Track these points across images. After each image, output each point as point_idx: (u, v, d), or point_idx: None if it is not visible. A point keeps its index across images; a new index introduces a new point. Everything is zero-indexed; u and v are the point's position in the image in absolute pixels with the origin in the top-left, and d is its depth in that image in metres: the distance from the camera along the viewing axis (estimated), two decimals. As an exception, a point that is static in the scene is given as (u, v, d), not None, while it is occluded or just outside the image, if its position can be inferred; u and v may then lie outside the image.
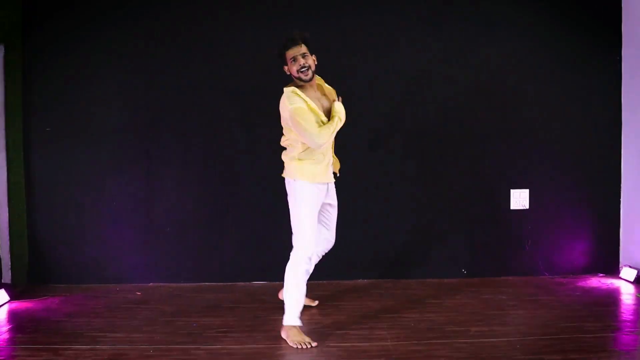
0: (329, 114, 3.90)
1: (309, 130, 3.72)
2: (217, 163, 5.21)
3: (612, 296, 4.74)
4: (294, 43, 3.78)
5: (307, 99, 3.79)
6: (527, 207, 5.33)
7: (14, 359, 3.49)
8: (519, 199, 5.33)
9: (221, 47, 5.16)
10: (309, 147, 3.84)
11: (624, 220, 5.38)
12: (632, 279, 5.05)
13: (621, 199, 5.39)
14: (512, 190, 5.33)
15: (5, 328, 3.99)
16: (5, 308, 4.43)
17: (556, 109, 5.35)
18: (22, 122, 5.04)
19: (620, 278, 5.17)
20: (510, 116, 5.33)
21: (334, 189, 4.16)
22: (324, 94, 3.98)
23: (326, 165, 3.96)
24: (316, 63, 3.89)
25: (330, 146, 4.03)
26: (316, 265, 5.01)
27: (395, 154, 5.15)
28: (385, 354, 3.58)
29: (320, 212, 4.08)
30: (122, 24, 5.12)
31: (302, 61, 3.78)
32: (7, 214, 4.97)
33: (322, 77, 4.08)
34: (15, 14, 4.98)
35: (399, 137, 5.16)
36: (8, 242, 4.97)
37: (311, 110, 3.78)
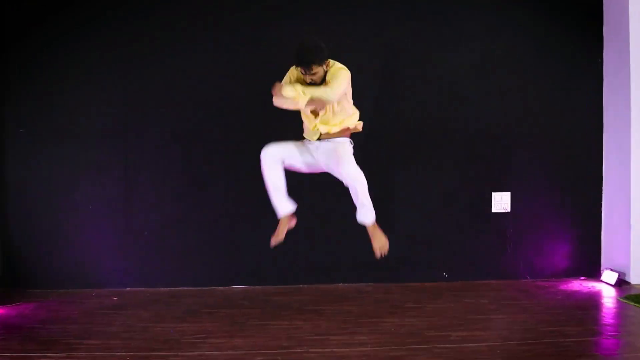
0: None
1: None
2: (195, 167, 5.22)
3: (594, 300, 4.79)
4: (303, 65, 3.93)
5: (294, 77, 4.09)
6: (509, 210, 5.38)
7: None
8: (501, 202, 5.37)
9: (199, 52, 5.19)
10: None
11: (606, 224, 5.45)
12: (613, 282, 5.09)
13: (602, 202, 5.46)
14: (493, 193, 5.37)
15: (-23, 335, 3.93)
16: None
17: (538, 112, 5.43)
18: None
19: (602, 281, 5.22)
20: (491, 120, 5.37)
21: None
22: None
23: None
24: (326, 70, 4.01)
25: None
26: (296, 270, 5.17)
27: (376, 159, 5.16)
28: None
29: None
30: (101, 28, 5.12)
31: (308, 78, 3.98)
32: None
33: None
34: None
35: (379, 142, 5.19)
36: None
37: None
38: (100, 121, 5.14)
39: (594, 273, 5.38)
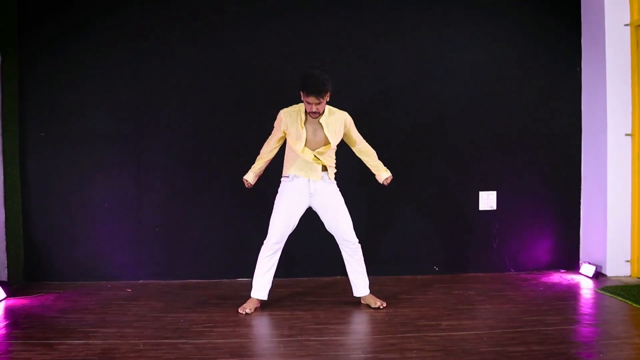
0: (320, 141, 4.26)
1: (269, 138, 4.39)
2: (203, 164, 5.23)
3: (573, 291, 4.86)
4: (314, 93, 4.05)
5: (302, 117, 4.20)
6: (495, 208, 5.47)
7: (10, 354, 3.48)
8: (487, 200, 5.46)
9: (208, 51, 5.20)
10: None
11: (584, 220, 5.55)
12: (591, 275, 5.19)
13: (581, 200, 5.56)
14: (480, 192, 5.46)
15: (2, 324, 3.99)
16: (2, 305, 4.44)
17: (522, 117, 5.48)
18: (17, 127, 5.08)
19: (580, 274, 5.32)
20: (479, 123, 5.43)
21: None
22: (326, 125, 4.24)
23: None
24: (328, 100, 4.17)
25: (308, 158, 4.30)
26: (297, 263, 5.17)
27: None
28: (361, 347, 3.65)
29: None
30: (113, 31, 5.14)
31: (314, 108, 4.11)
32: (3, 215, 4.96)
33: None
34: (10, 22, 4.98)
35: (371, 142, 5.01)
36: (4, 242, 4.95)
37: (297, 128, 4.19)
38: (114, 124, 5.16)
39: (573, 266, 5.49)
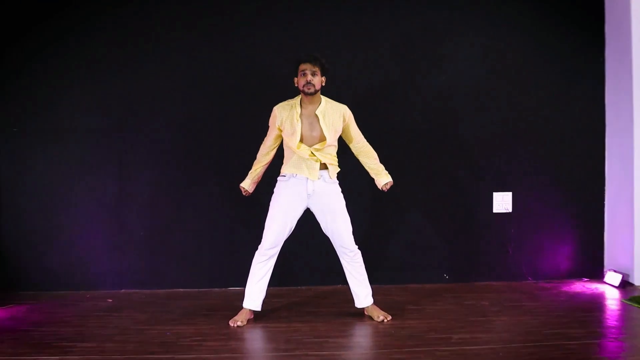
0: (317, 137, 4.22)
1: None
2: (191, 168, 5.22)
3: (597, 301, 4.78)
4: (310, 60, 4.18)
5: (298, 110, 4.19)
6: (510, 210, 5.40)
7: None
8: (502, 202, 5.41)
9: (196, 51, 5.20)
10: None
11: (608, 224, 5.48)
12: (616, 284, 5.10)
13: (605, 203, 5.50)
14: (494, 193, 5.39)
15: (-31, 338, 3.91)
16: None
17: (540, 111, 5.45)
18: None
19: (605, 283, 5.24)
20: (492, 119, 5.39)
21: None
22: (322, 116, 4.22)
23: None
24: (323, 85, 4.24)
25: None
26: (294, 271, 5.21)
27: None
28: None
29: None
30: (95, 27, 5.14)
31: (309, 77, 4.15)
32: None
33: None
34: None
35: (380, 142, 5.12)
36: None
37: (292, 121, 4.19)
38: (95, 120, 5.14)
39: (597, 274, 5.40)
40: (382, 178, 4.39)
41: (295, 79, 4.22)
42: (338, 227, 4.25)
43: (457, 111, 5.36)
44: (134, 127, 5.18)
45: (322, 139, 4.22)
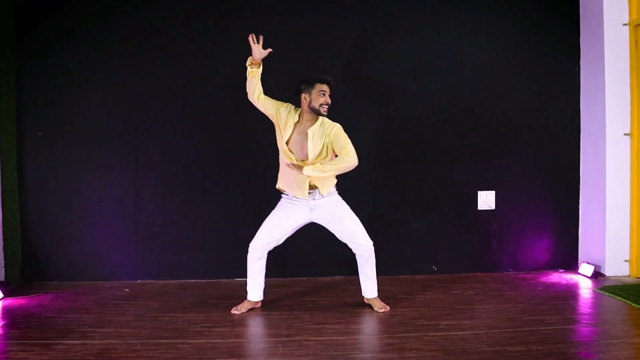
0: (303, 152, 4.19)
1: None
2: (202, 167, 5.22)
3: (571, 291, 4.86)
4: (329, 82, 4.15)
5: (296, 119, 4.18)
6: (494, 207, 5.45)
7: (7, 354, 3.48)
8: (486, 200, 5.44)
9: (208, 52, 5.18)
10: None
11: (583, 220, 5.54)
12: (589, 275, 5.18)
13: (580, 200, 5.54)
14: (479, 192, 5.44)
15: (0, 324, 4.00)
16: (0, 305, 4.45)
17: (520, 116, 5.47)
18: (15, 127, 5.08)
19: (579, 273, 5.30)
20: (476, 123, 5.42)
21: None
22: (312, 135, 4.17)
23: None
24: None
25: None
26: (295, 263, 5.15)
27: (368, 157, 5.04)
28: (360, 347, 3.66)
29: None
30: (111, 30, 5.12)
31: (329, 100, 4.15)
32: (1, 215, 4.96)
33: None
34: (7, 22, 4.97)
35: (370, 142, 5.20)
36: (2, 242, 4.96)
37: (286, 123, 4.17)
38: (112, 123, 5.15)
39: (572, 266, 5.47)
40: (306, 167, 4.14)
41: (305, 95, 4.14)
42: (348, 228, 4.24)
43: (446, 118, 5.36)
44: (149, 129, 5.17)
45: (307, 156, 4.19)
